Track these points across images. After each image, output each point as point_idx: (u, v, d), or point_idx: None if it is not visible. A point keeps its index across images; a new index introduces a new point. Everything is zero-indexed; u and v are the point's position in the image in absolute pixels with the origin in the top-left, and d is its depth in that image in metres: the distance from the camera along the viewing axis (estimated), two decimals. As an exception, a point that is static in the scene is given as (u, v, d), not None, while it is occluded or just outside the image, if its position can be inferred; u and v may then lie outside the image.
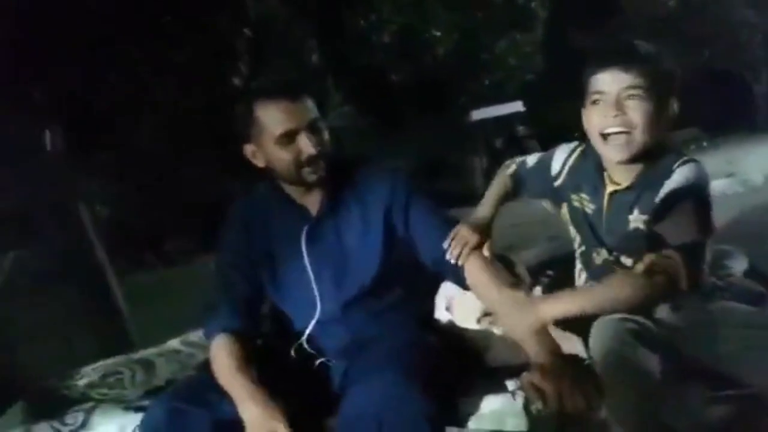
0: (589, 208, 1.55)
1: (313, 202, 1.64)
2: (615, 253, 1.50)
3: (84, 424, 1.65)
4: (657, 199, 1.38)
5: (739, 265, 1.93)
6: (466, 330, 1.68)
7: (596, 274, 1.56)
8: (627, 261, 1.47)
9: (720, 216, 1.40)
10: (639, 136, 1.38)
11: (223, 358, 1.50)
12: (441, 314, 1.75)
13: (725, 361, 1.26)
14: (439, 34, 11.93)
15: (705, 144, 13.58)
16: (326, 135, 1.59)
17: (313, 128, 1.55)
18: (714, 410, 1.22)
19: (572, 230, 1.62)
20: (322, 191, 1.63)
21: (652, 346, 1.27)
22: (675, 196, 1.35)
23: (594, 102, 1.41)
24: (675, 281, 1.28)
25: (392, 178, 1.64)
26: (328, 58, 11.33)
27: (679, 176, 1.37)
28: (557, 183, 1.64)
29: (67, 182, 3.85)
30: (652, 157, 1.42)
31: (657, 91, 1.37)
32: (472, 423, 1.41)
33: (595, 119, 1.41)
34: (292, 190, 1.65)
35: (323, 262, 1.61)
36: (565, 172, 1.62)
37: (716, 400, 1.23)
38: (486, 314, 1.69)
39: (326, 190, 1.63)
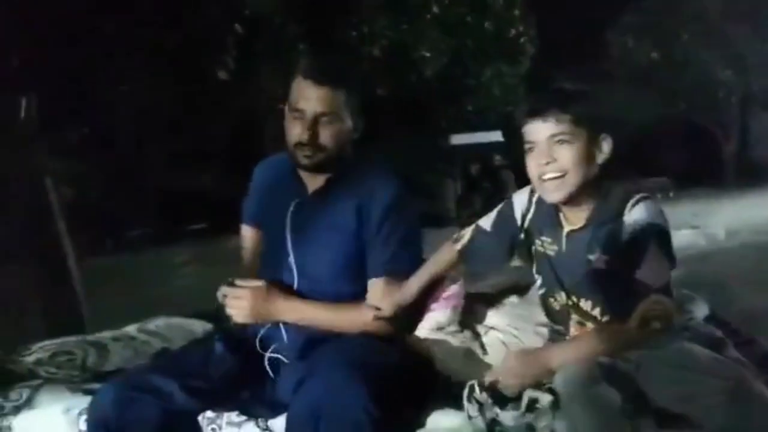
0: (551, 250, 1.57)
1: (314, 183, 1.67)
2: (574, 298, 1.53)
3: (28, 401, 1.60)
4: (622, 240, 1.43)
5: (700, 311, 1.98)
6: (425, 341, 1.68)
7: (554, 318, 1.60)
8: (586, 305, 1.51)
9: (683, 265, 1.45)
10: (572, 178, 1.45)
11: None
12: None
13: (682, 401, 1.28)
14: (428, 55, 12.02)
15: (671, 194, 13.92)
16: (335, 131, 1.59)
17: (316, 119, 1.57)
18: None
19: (535, 273, 1.65)
20: (325, 176, 1.65)
21: (615, 381, 1.29)
22: (641, 237, 1.40)
23: (529, 150, 1.49)
24: (669, 322, 1.37)
25: (389, 190, 1.65)
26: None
27: (638, 215, 1.42)
28: (523, 232, 1.65)
29: (36, 154, 3.75)
30: (599, 195, 1.49)
31: (582, 133, 1.45)
32: (427, 437, 1.40)
33: (531, 166, 1.50)
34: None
35: (303, 241, 1.64)
36: (528, 218, 1.64)
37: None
38: (440, 328, 1.70)
39: (327, 177, 1.65)
